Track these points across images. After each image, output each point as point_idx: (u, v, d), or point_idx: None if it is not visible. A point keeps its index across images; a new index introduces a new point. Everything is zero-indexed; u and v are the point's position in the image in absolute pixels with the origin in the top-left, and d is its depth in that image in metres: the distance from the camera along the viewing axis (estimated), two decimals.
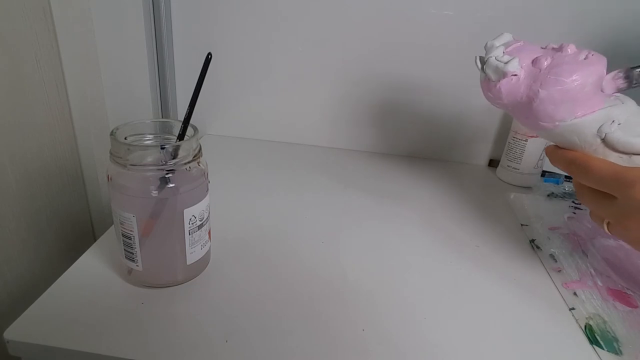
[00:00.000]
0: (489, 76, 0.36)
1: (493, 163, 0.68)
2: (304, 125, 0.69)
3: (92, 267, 0.37)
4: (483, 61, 0.36)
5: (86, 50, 0.60)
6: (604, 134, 0.32)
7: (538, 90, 0.33)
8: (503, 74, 0.35)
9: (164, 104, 0.66)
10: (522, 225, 0.51)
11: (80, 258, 0.38)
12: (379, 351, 0.31)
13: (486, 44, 0.37)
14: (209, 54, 0.33)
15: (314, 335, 0.32)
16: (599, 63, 0.33)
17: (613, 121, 0.32)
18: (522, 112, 0.36)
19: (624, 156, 0.32)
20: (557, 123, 0.34)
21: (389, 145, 0.69)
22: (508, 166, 0.62)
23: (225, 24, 0.62)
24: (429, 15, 0.59)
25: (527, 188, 0.60)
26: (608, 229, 0.33)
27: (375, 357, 0.31)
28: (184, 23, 0.63)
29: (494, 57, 0.35)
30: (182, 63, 0.65)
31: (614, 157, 0.32)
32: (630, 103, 0.34)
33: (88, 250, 0.39)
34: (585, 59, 0.33)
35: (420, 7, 0.59)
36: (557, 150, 0.35)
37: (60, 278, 0.36)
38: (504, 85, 0.35)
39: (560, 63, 0.33)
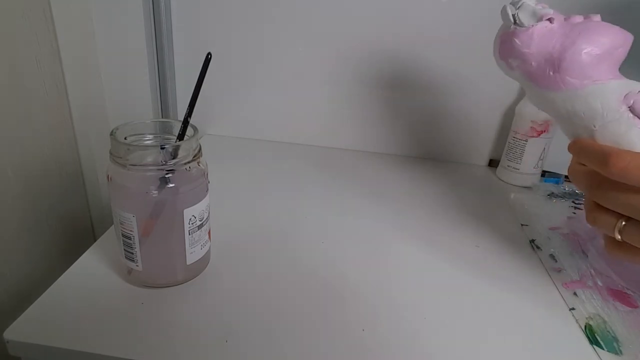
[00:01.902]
0: (521, 22, 0.34)
1: (493, 163, 0.68)
2: (304, 125, 0.69)
3: (92, 267, 0.37)
4: (516, 6, 0.35)
5: (86, 50, 0.60)
6: (632, 101, 0.31)
7: (576, 39, 0.32)
8: (540, 17, 0.34)
9: (164, 104, 0.66)
10: (522, 225, 0.51)
11: (80, 258, 0.38)
12: (379, 351, 0.31)
13: None
14: (209, 54, 0.33)
15: (314, 335, 0.32)
16: (627, 33, 0.33)
17: (639, 91, 0.31)
18: (549, 66, 0.34)
19: None
20: (585, 81, 0.32)
21: (389, 145, 0.69)
22: (508, 166, 0.62)
23: (225, 24, 0.62)
24: (429, 16, 0.59)
25: (527, 188, 0.60)
26: (624, 229, 0.30)
27: (375, 357, 0.31)
28: (184, 23, 0.63)
29: (528, 2, 0.34)
30: (182, 63, 0.65)
31: (635, 131, 0.31)
32: None
33: (88, 250, 0.39)
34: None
35: (420, 8, 0.59)
36: (587, 142, 0.32)
37: (60, 278, 0.36)
38: (538, 30, 0.34)
39: (594, 20, 0.33)
